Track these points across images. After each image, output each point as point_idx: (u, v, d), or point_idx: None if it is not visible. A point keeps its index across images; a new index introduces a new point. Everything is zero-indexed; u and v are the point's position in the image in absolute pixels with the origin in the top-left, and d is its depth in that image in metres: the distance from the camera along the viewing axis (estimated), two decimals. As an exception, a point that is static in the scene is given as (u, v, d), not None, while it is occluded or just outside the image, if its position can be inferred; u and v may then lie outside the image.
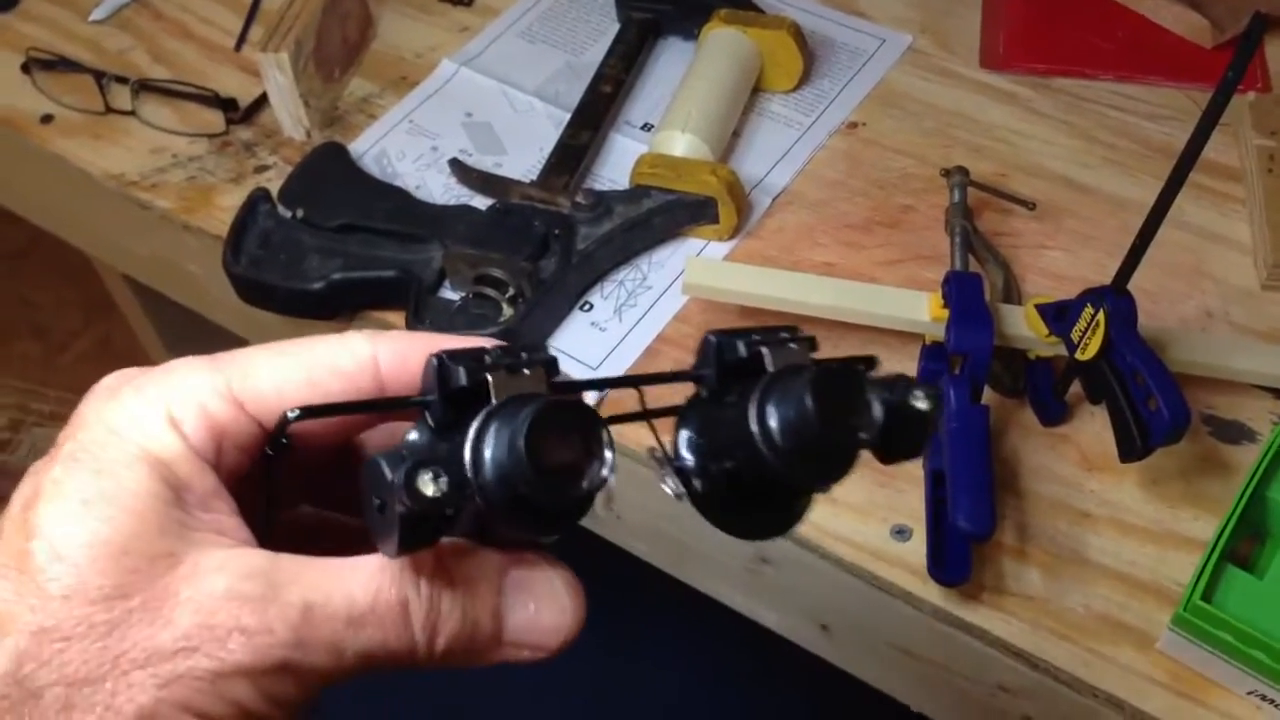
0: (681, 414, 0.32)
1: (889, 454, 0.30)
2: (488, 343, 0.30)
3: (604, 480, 0.28)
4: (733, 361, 0.31)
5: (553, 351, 0.31)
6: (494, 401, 0.28)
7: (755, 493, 0.31)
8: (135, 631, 0.27)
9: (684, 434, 0.31)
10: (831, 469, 0.29)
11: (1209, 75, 0.78)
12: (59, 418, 1.41)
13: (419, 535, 0.28)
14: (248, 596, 0.27)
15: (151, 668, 0.27)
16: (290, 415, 0.29)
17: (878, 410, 0.29)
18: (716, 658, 0.79)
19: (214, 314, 0.83)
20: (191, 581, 0.27)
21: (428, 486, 0.26)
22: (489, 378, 0.28)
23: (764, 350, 0.31)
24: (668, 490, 0.30)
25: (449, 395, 0.28)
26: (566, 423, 0.27)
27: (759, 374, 0.30)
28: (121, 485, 0.28)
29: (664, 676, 0.78)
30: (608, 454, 0.28)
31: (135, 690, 0.26)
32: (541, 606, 0.31)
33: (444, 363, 0.28)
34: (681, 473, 0.31)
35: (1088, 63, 0.80)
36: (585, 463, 0.27)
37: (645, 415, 0.32)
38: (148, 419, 0.29)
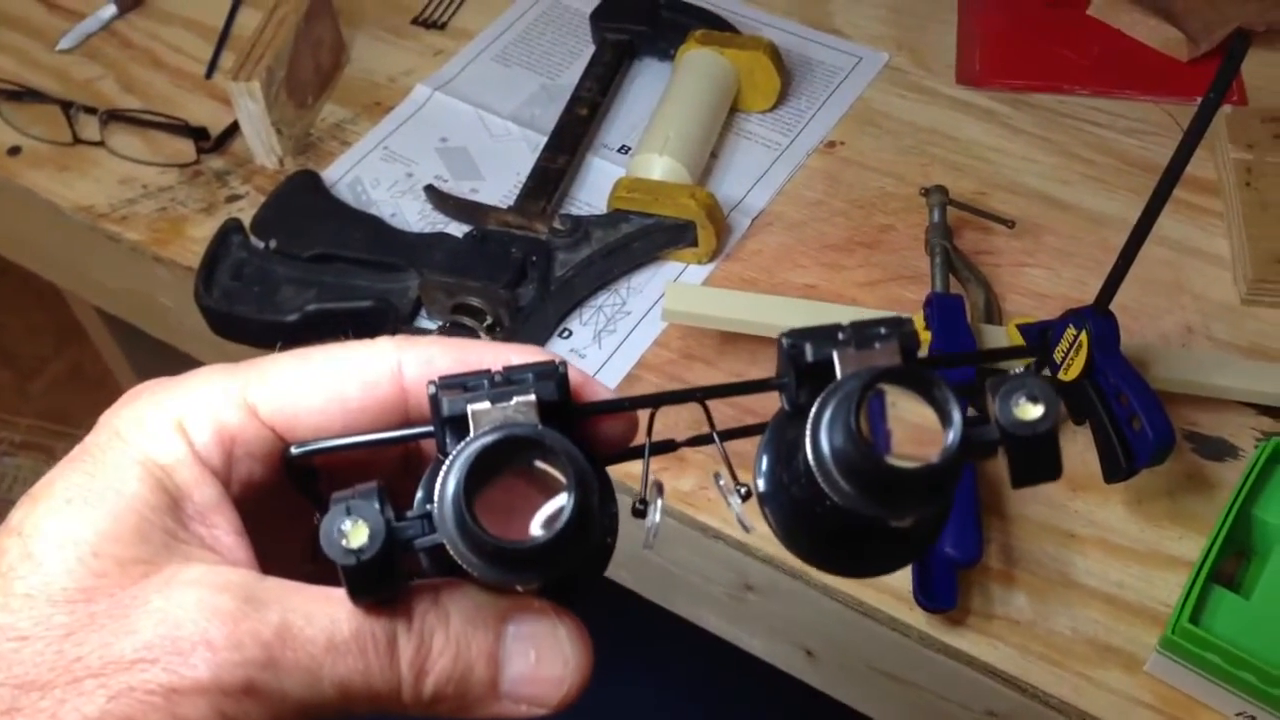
0: (767, 432, 0.28)
1: (1015, 476, 0.26)
2: (517, 353, 0.29)
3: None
4: (807, 367, 0.27)
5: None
6: (473, 432, 0.27)
7: (840, 521, 0.26)
8: (95, 637, 0.25)
9: (763, 457, 0.28)
10: (898, 499, 0.25)
11: (1185, 89, 0.78)
12: (31, 447, 1.39)
13: (365, 584, 0.26)
14: (220, 610, 0.26)
15: (105, 677, 0.25)
16: (292, 452, 0.29)
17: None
18: (700, 685, 0.79)
19: (187, 346, 0.82)
20: (164, 591, 0.26)
21: (350, 539, 0.25)
22: (469, 409, 0.27)
23: (834, 354, 0.26)
24: (736, 515, 0.28)
25: (446, 424, 0.27)
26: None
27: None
28: (109, 487, 0.27)
29: (647, 703, 0.78)
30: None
31: (83, 700, 0.25)
32: (543, 657, 0.29)
33: (437, 395, 0.27)
34: (759, 499, 0.27)
35: (1064, 78, 0.80)
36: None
37: (714, 436, 0.29)
38: (154, 424, 0.28)
